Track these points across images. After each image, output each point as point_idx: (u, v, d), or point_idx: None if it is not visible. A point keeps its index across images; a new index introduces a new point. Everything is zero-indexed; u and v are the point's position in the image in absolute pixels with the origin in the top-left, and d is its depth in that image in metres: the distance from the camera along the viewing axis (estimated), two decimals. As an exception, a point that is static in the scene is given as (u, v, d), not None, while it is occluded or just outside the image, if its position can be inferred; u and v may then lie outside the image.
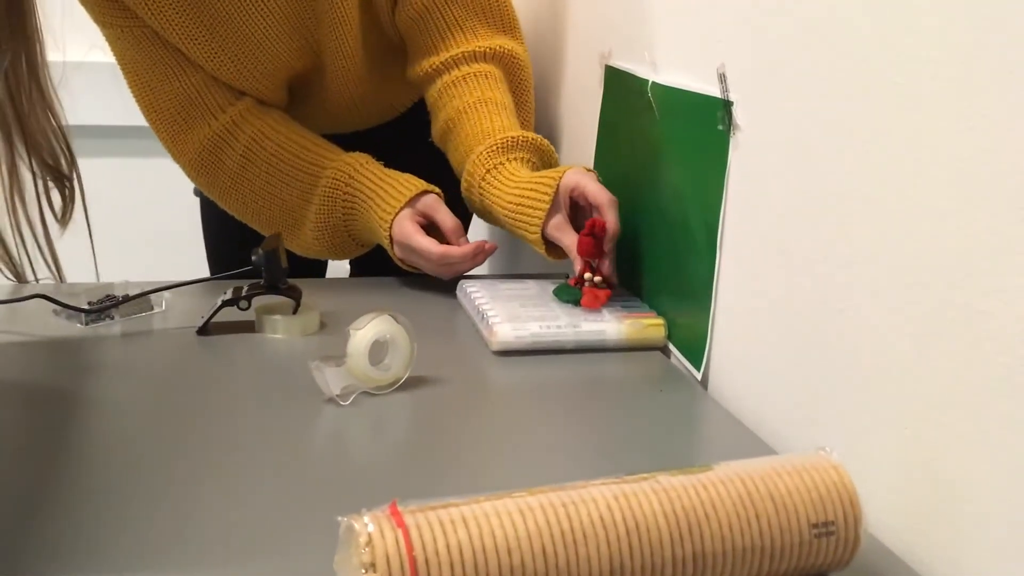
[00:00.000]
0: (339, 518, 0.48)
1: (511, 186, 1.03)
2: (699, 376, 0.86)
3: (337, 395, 0.77)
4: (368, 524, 0.47)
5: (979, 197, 0.54)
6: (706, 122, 0.84)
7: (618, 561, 0.49)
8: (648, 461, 0.71)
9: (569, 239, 0.97)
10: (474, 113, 1.07)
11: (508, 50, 1.13)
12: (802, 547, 0.53)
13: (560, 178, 0.98)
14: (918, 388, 0.59)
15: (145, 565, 0.55)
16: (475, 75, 1.09)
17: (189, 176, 1.11)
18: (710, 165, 0.84)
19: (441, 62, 1.11)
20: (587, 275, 0.95)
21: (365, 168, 1.07)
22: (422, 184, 1.05)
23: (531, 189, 1.00)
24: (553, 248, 1.00)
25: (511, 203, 1.02)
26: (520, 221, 1.00)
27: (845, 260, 0.67)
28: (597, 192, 0.96)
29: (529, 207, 0.99)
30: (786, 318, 0.74)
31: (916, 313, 0.59)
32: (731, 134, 0.81)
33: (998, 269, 0.53)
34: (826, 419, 0.70)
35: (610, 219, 0.95)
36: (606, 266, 0.96)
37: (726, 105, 0.82)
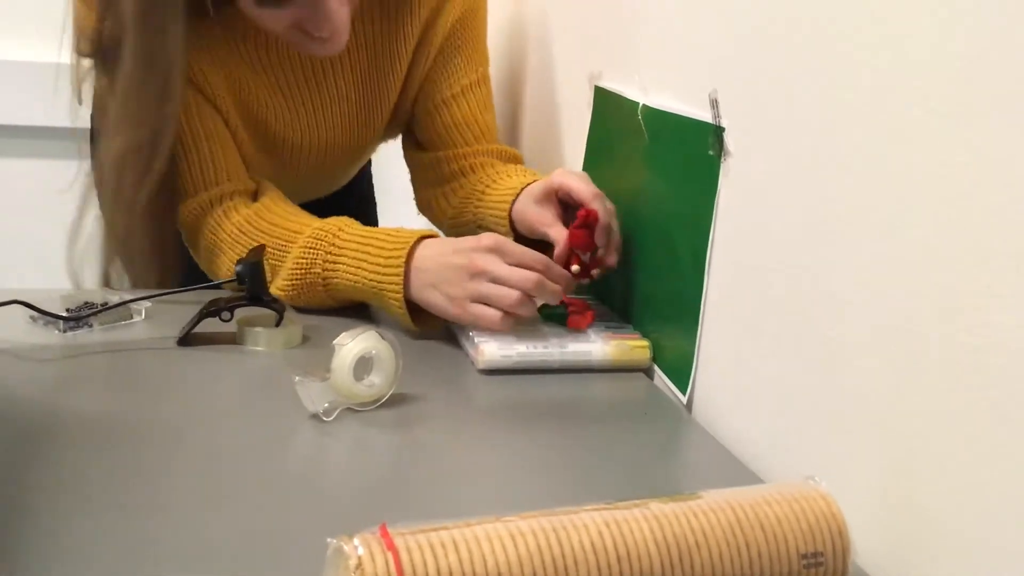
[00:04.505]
0: (328, 539, 0.48)
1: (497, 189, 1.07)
2: (684, 399, 0.86)
3: (320, 411, 0.76)
4: (358, 547, 0.46)
5: (968, 232, 0.54)
6: (697, 147, 0.85)
7: (609, 589, 0.49)
8: (633, 485, 0.71)
9: (556, 232, 0.97)
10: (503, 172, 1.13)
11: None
12: (791, 577, 0.53)
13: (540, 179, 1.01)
14: (901, 419, 0.60)
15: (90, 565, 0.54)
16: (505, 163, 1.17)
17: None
18: (700, 189, 0.84)
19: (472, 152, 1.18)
20: (575, 267, 0.94)
21: (351, 226, 1.01)
22: (420, 230, 0.99)
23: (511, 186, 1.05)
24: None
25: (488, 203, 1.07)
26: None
27: (831, 289, 0.67)
28: (581, 188, 0.96)
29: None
30: (771, 345, 0.75)
31: (900, 344, 0.60)
32: (722, 159, 0.82)
33: (984, 305, 0.53)
34: (809, 446, 0.70)
35: (599, 208, 0.95)
36: (608, 258, 0.96)
37: (717, 131, 0.82)
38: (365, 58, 1.13)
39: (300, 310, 1.00)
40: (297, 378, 0.77)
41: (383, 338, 0.80)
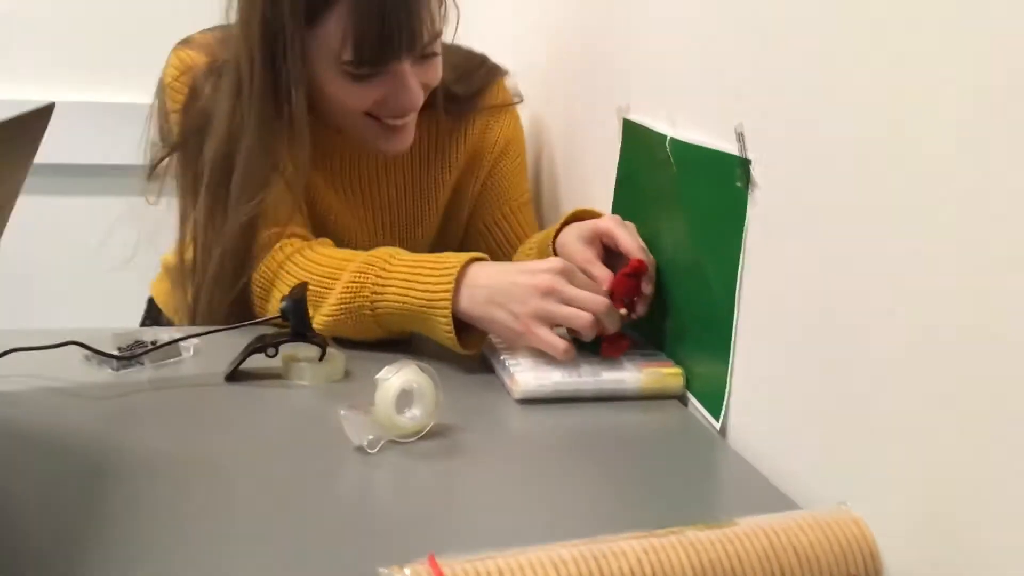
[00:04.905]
0: (380, 569, 0.50)
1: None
2: (718, 426, 0.88)
3: (365, 444, 0.79)
4: (408, 576, 0.49)
5: (999, 259, 0.56)
6: (724, 179, 0.87)
7: (648, 614, 0.51)
8: (669, 512, 0.73)
9: (600, 272, 0.99)
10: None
11: None
12: (825, 600, 0.54)
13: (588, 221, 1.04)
14: (934, 442, 0.61)
15: None
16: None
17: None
18: (728, 220, 0.87)
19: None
20: (623, 311, 0.97)
21: (401, 253, 1.05)
22: (471, 253, 1.02)
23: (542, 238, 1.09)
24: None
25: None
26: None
27: (862, 317, 0.69)
28: (628, 241, 0.99)
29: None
30: (804, 371, 0.76)
31: (932, 370, 0.61)
32: (749, 192, 0.84)
33: (1016, 328, 0.55)
34: (843, 471, 0.72)
35: (647, 260, 0.98)
36: (641, 306, 0.99)
37: (744, 163, 0.84)
38: (415, 174, 1.25)
39: (342, 343, 1.03)
40: (342, 412, 0.80)
41: (423, 371, 0.82)
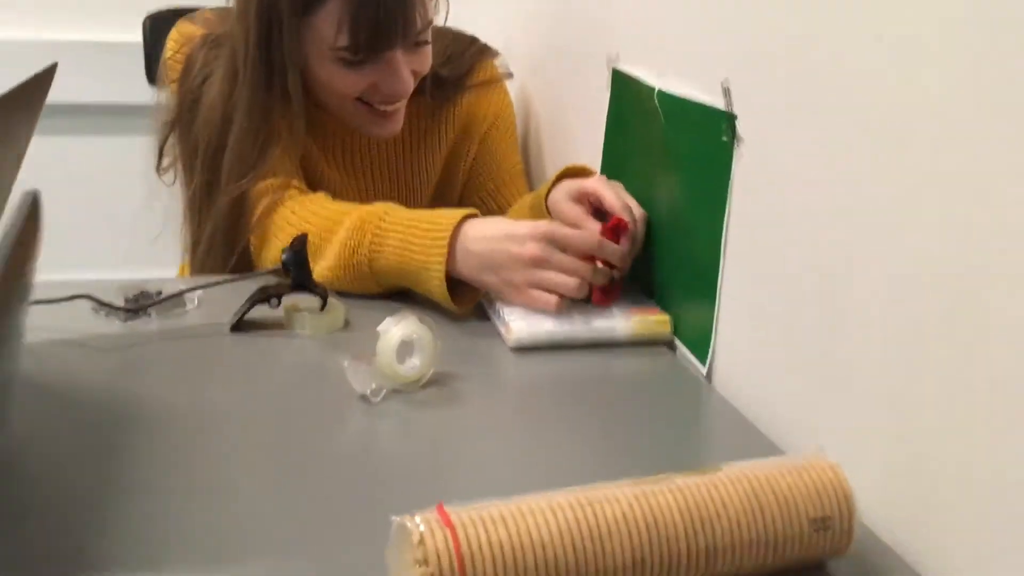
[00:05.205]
0: (392, 518, 0.54)
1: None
2: (704, 371, 0.92)
3: (368, 393, 0.83)
4: (420, 524, 0.53)
5: (977, 209, 0.60)
6: (711, 133, 0.90)
7: (639, 554, 0.55)
8: (658, 455, 0.77)
9: (589, 227, 1.03)
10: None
11: None
12: (802, 540, 0.59)
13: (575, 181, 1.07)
14: (910, 389, 0.65)
15: (186, 560, 0.61)
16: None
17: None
18: (714, 173, 0.90)
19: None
20: (600, 265, 1.00)
21: (396, 209, 1.07)
22: (463, 210, 1.04)
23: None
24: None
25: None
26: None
27: (845, 267, 0.72)
28: (612, 200, 1.01)
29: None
30: (787, 318, 0.80)
31: (909, 317, 0.65)
32: (735, 146, 0.87)
33: (993, 283, 0.58)
34: (821, 414, 0.76)
35: (628, 219, 1.01)
36: (624, 261, 1.02)
37: (730, 118, 0.87)
38: (408, 148, 1.30)
39: (342, 294, 1.06)
40: (346, 363, 0.83)
41: (422, 322, 0.86)
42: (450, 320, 1.01)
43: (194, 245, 1.18)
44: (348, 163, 1.28)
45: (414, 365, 0.86)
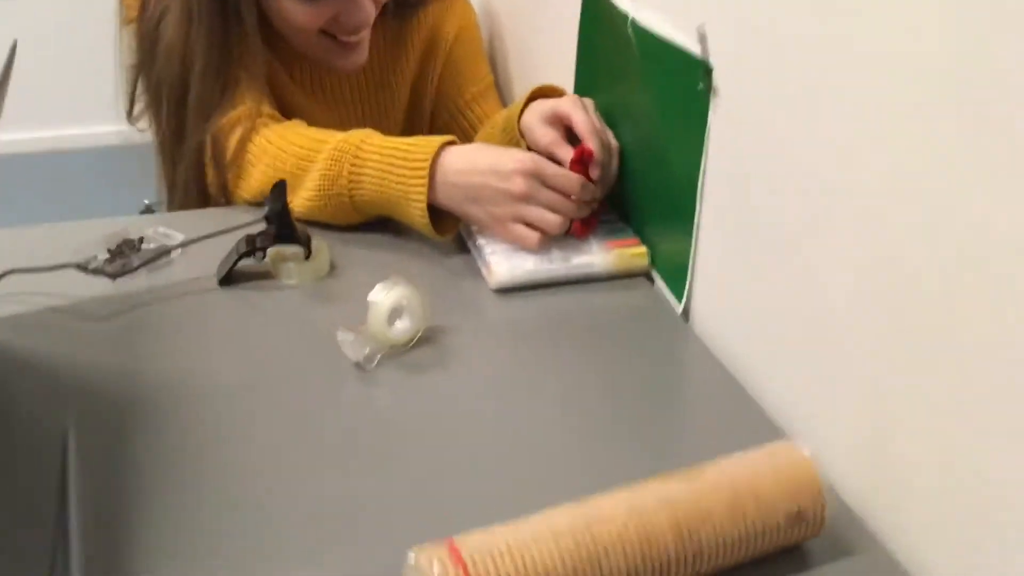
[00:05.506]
0: (409, 552, 0.59)
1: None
2: (680, 309, 0.96)
3: (362, 360, 0.86)
4: (434, 565, 0.58)
5: (955, 165, 0.60)
6: (687, 79, 0.89)
7: (634, 569, 0.61)
8: (642, 413, 0.83)
9: (562, 153, 1.03)
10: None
11: None
12: (779, 533, 0.65)
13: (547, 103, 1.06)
14: (882, 351, 0.68)
15: (186, 551, 0.66)
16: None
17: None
18: (690, 118, 0.90)
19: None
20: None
21: (373, 136, 1.06)
22: (442, 137, 1.04)
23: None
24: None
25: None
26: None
27: (821, 227, 0.74)
28: (582, 124, 1.02)
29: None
30: (759, 263, 0.83)
31: (884, 280, 0.67)
32: (711, 97, 0.87)
33: (963, 257, 0.60)
34: (794, 362, 0.80)
35: (594, 146, 1.01)
36: (597, 191, 1.03)
37: (707, 69, 0.86)
38: (375, 70, 1.28)
39: (324, 227, 1.07)
40: (339, 336, 0.86)
41: (409, 285, 0.88)
42: (432, 252, 1.04)
43: (170, 188, 1.18)
44: (318, 89, 1.26)
45: (404, 328, 0.89)
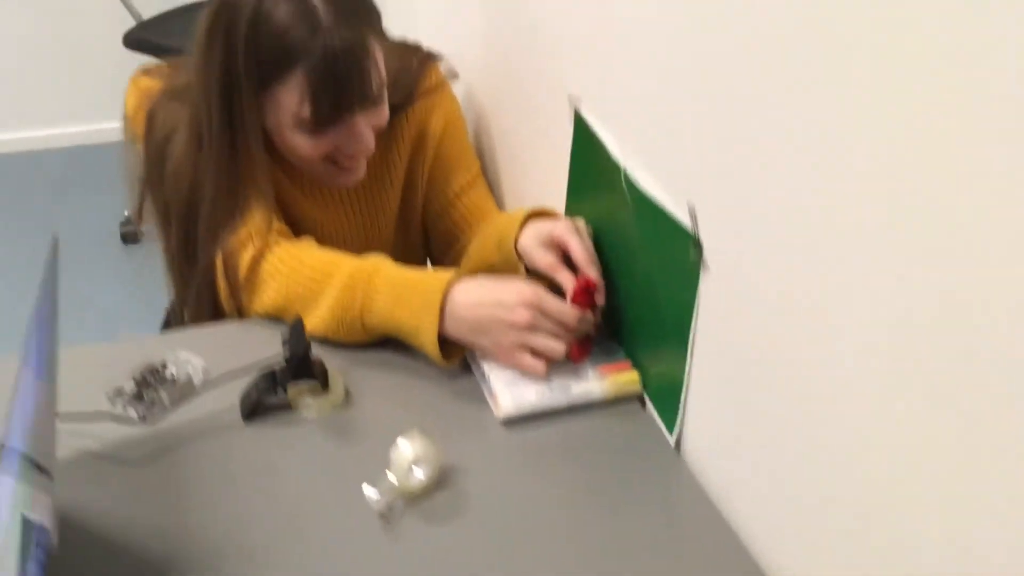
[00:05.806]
0: None
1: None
2: (673, 441, 1.05)
3: (386, 511, 0.95)
4: None
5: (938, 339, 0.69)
6: (678, 247, 0.96)
7: None
8: (629, 542, 0.92)
9: (564, 278, 1.11)
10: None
11: None
12: None
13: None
14: (876, 486, 0.73)
15: None
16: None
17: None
18: (682, 278, 0.97)
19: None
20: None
21: (385, 266, 1.13)
22: (451, 272, 1.11)
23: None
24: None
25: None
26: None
27: (818, 370, 0.79)
28: (580, 253, 1.10)
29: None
30: (754, 406, 0.89)
31: (877, 413, 0.72)
32: (702, 269, 0.94)
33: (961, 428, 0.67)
34: (782, 496, 0.87)
35: (594, 275, 1.09)
36: (596, 316, 1.12)
37: (697, 244, 0.94)
38: (370, 169, 1.30)
39: (337, 347, 1.15)
40: (365, 489, 0.95)
41: (426, 437, 0.97)
42: (440, 377, 1.12)
43: (181, 302, 1.24)
44: (318, 193, 1.32)
45: (422, 478, 0.97)
